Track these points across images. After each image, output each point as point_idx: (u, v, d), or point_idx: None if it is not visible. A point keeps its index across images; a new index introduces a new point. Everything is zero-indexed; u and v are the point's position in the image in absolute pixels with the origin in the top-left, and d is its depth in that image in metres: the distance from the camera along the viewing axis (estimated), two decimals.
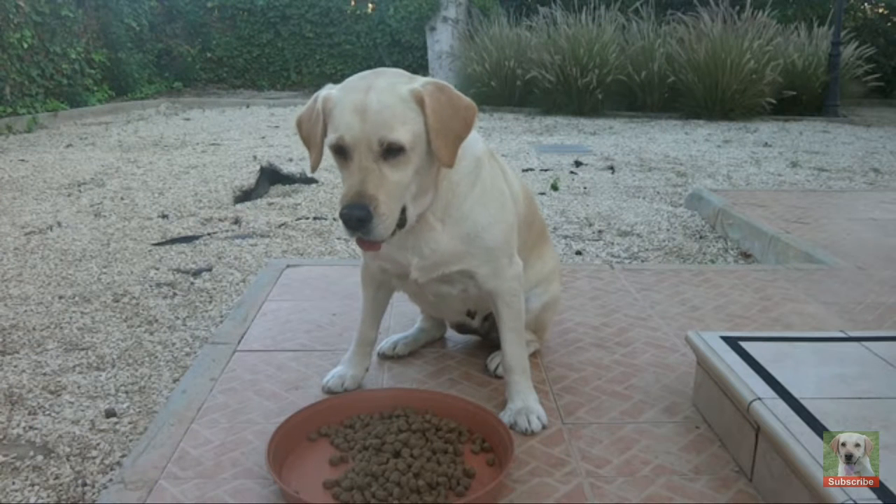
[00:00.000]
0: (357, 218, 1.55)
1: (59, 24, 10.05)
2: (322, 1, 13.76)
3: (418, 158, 1.63)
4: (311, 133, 1.74)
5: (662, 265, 3.64)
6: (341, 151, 1.62)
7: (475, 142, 1.87)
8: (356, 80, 1.68)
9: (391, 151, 1.59)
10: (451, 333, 2.44)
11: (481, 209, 1.83)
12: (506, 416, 1.88)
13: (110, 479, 1.90)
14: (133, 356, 2.68)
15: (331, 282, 2.99)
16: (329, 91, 1.70)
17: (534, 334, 2.26)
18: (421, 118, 1.63)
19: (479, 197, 1.83)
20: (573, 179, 5.94)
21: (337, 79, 10.55)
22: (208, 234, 4.27)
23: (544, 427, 1.87)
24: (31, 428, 2.18)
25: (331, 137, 1.63)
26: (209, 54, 13.93)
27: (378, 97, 1.59)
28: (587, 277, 3.08)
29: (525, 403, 1.91)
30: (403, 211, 1.65)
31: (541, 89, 10.53)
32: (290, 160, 6.45)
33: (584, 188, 5.61)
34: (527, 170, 6.28)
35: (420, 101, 1.63)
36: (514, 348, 1.94)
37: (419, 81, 1.68)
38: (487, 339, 2.30)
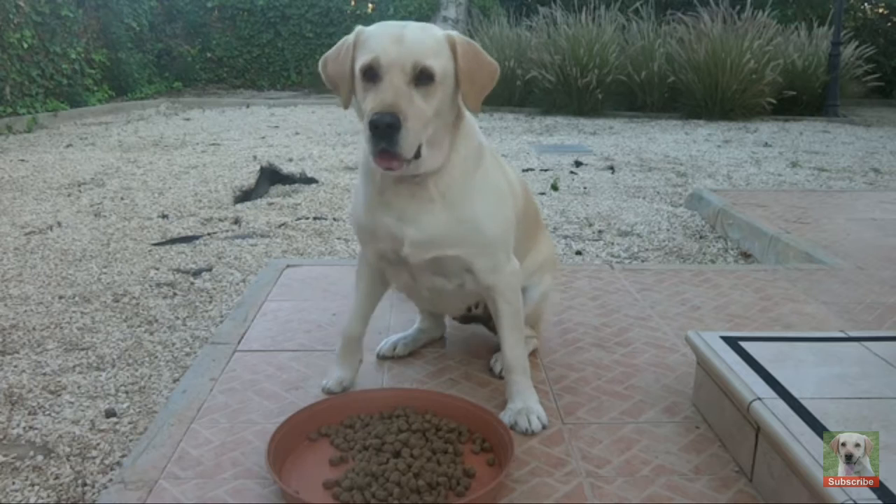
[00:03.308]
0: (388, 123, 1.59)
1: (59, 24, 10.05)
2: (322, 1, 13.75)
3: (443, 94, 1.70)
4: (339, 69, 1.78)
5: (662, 265, 3.64)
6: (372, 74, 1.66)
7: (479, 133, 1.90)
8: (388, 22, 1.75)
9: (422, 79, 1.65)
10: (450, 333, 2.44)
11: (481, 198, 1.84)
12: (506, 417, 1.88)
13: (110, 479, 1.90)
14: (133, 356, 2.68)
15: (331, 282, 2.99)
16: (362, 27, 1.76)
17: (531, 329, 2.26)
18: (451, 59, 1.71)
19: (481, 185, 1.85)
20: (573, 179, 5.95)
21: None
22: (208, 234, 4.28)
23: (544, 427, 1.87)
24: (31, 428, 2.18)
25: (364, 59, 1.67)
26: (209, 54, 13.92)
27: (413, 32, 1.69)
28: (587, 277, 3.07)
29: (525, 403, 1.90)
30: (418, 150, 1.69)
31: (541, 89, 10.53)
32: (290, 160, 6.45)
33: (584, 188, 5.61)
34: (527, 170, 6.28)
35: (452, 46, 1.72)
36: (515, 348, 1.94)
37: (450, 31, 1.77)
38: (489, 327, 2.28)
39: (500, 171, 1.97)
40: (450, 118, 1.78)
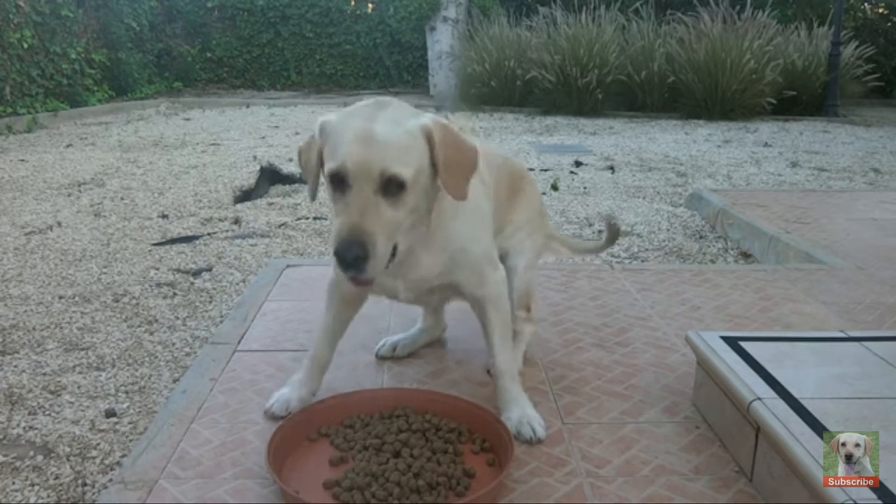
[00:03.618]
0: (355, 256, 1.49)
1: (59, 24, 10.05)
2: (322, 1, 13.76)
3: (416, 197, 1.58)
4: (308, 163, 1.69)
5: (662, 265, 3.64)
6: (339, 181, 1.54)
7: None
8: (360, 108, 1.61)
9: (391, 186, 1.52)
10: (450, 333, 2.44)
11: (465, 230, 1.80)
12: (509, 426, 1.83)
13: (110, 479, 1.90)
14: (133, 356, 2.68)
15: None
16: (328, 117, 1.64)
17: (525, 312, 2.21)
18: (426, 154, 1.58)
19: (464, 220, 1.79)
20: (573, 179, 5.95)
21: (337, 79, 10.48)
22: (208, 234, 4.28)
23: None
24: (31, 428, 2.18)
25: (331, 165, 1.54)
26: (209, 54, 13.93)
27: (384, 127, 1.53)
28: (587, 277, 3.08)
29: (523, 411, 1.88)
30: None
31: (541, 89, 10.53)
32: (290, 160, 6.44)
33: (584, 188, 5.61)
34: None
35: (429, 136, 1.58)
36: (504, 354, 1.91)
37: (426, 116, 1.63)
38: None
39: (479, 184, 1.87)
40: (429, 205, 1.67)
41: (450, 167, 1.60)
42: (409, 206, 1.57)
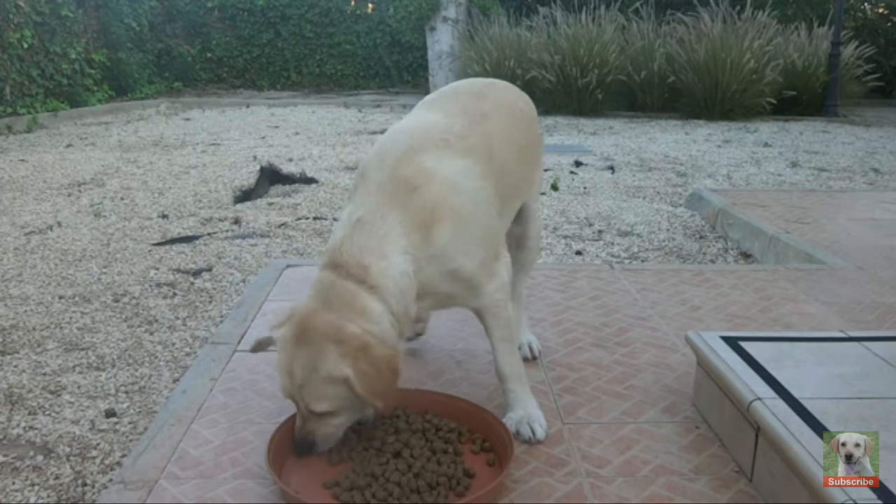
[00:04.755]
0: (302, 447, 1.67)
1: (59, 24, 10.05)
2: (322, 1, 13.75)
3: (348, 414, 1.66)
4: None
5: (662, 265, 3.64)
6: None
7: (449, 187, 1.73)
8: (283, 346, 1.63)
9: (317, 414, 1.63)
10: (450, 333, 2.44)
11: (457, 248, 1.73)
12: (509, 426, 1.83)
13: (110, 479, 1.90)
14: (133, 356, 2.68)
15: None
16: (277, 332, 1.68)
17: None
18: (345, 391, 1.58)
19: (455, 239, 1.72)
20: (573, 179, 5.94)
21: (337, 79, 10.45)
22: (208, 234, 4.28)
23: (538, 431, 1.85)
24: (31, 428, 2.18)
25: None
26: (209, 54, 13.93)
27: (301, 371, 1.59)
28: (587, 277, 3.07)
29: (526, 411, 1.87)
30: None
31: (541, 89, 10.52)
32: (290, 160, 6.45)
33: (584, 188, 5.61)
34: None
35: (347, 382, 1.56)
36: (507, 357, 1.89)
37: (349, 340, 1.56)
38: None
39: (483, 195, 1.80)
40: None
41: (368, 396, 1.58)
42: (345, 417, 1.67)
